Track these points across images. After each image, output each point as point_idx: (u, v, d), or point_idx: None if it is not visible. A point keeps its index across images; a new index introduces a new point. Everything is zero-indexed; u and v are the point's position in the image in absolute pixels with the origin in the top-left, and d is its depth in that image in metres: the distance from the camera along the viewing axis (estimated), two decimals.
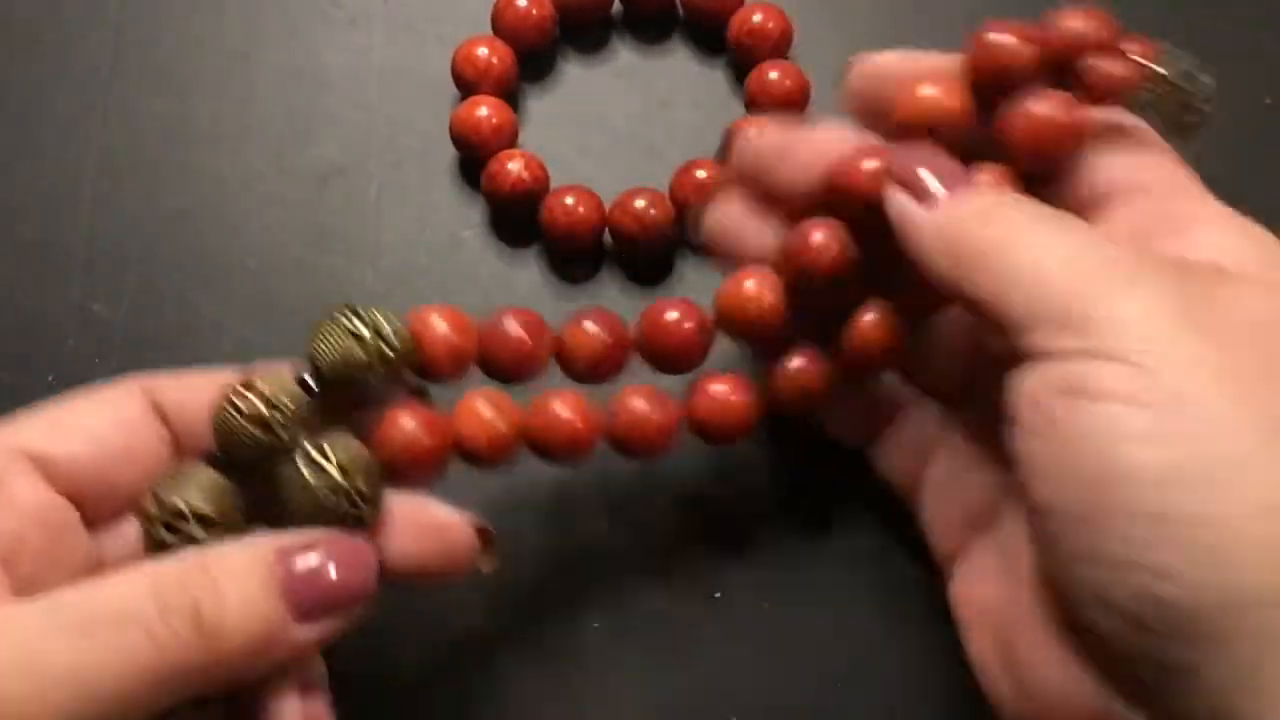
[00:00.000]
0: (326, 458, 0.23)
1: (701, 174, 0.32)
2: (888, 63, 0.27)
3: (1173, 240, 0.24)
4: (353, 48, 0.36)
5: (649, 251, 0.33)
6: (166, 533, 0.22)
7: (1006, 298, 0.22)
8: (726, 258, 0.28)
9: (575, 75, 0.36)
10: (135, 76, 0.35)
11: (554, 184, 0.33)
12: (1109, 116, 0.26)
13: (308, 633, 0.22)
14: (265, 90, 0.35)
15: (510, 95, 0.34)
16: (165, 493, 0.23)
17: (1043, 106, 0.25)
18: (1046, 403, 0.21)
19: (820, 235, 0.26)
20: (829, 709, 0.29)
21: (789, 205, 0.27)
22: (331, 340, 0.23)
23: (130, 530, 0.24)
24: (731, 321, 0.27)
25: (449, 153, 0.34)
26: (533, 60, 0.35)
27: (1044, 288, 0.22)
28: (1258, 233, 0.24)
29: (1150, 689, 0.21)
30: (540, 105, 0.35)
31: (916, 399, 0.29)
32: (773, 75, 0.33)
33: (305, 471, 0.23)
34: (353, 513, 0.23)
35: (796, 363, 0.27)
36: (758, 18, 0.34)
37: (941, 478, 0.28)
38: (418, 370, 0.25)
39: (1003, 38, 0.25)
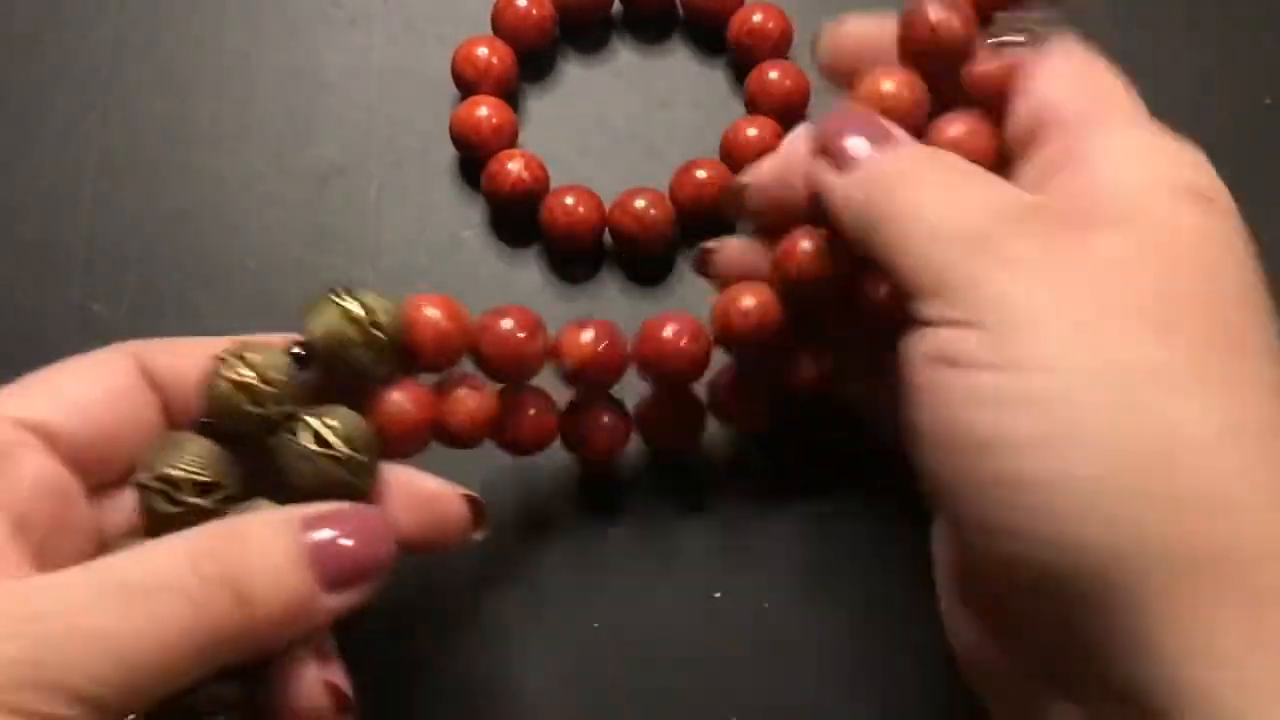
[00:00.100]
0: (329, 428, 0.23)
1: (701, 174, 0.32)
2: (860, 29, 0.27)
3: (1073, 177, 0.23)
4: (353, 48, 0.36)
5: (649, 251, 0.33)
6: (166, 503, 0.23)
7: (897, 265, 0.23)
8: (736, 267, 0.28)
9: (575, 75, 0.36)
10: (135, 76, 0.35)
11: (554, 184, 0.33)
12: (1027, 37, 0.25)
13: (334, 601, 0.22)
14: (265, 90, 0.35)
15: (510, 95, 0.34)
16: (161, 462, 0.23)
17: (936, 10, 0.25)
18: (923, 372, 0.22)
19: (807, 243, 0.26)
20: (829, 709, 0.29)
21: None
22: (325, 318, 0.24)
23: (126, 499, 0.24)
24: (729, 334, 0.27)
25: (449, 153, 0.34)
26: (533, 60, 0.35)
27: (924, 256, 0.22)
28: (1157, 160, 0.23)
29: (1062, 665, 0.21)
30: (540, 105, 0.35)
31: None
32: (773, 75, 0.33)
33: (306, 441, 0.23)
34: (354, 483, 0.23)
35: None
36: (758, 18, 0.34)
37: None
38: (406, 354, 0.25)
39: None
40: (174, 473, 0.23)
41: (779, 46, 0.34)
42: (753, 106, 0.34)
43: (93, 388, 0.24)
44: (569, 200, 0.32)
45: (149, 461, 0.23)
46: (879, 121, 0.24)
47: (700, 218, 0.33)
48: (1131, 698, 0.19)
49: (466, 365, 0.27)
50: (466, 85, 0.34)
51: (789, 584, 0.30)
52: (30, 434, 0.23)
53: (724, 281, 0.29)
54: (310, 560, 0.22)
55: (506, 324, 0.26)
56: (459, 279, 0.33)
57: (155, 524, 0.23)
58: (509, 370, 0.26)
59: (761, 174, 0.28)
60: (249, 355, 0.23)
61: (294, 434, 0.23)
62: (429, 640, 0.30)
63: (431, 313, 0.25)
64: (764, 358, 0.28)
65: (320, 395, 0.24)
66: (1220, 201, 0.22)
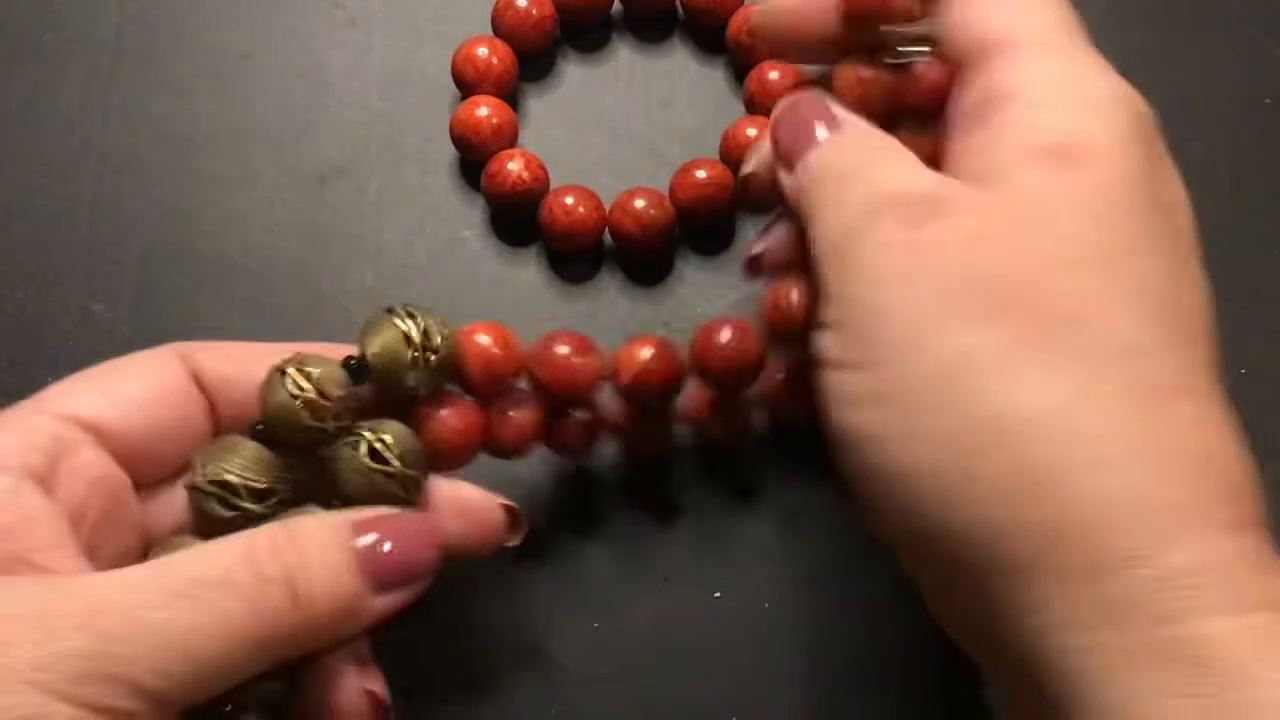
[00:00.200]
0: (387, 446, 0.24)
1: (701, 174, 0.32)
2: (782, 7, 0.26)
3: (968, 135, 0.23)
4: (353, 48, 0.36)
5: (649, 251, 0.33)
6: (220, 506, 0.23)
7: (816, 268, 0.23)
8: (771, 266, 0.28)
9: (575, 75, 0.36)
10: (135, 76, 0.35)
11: (554, 184, 0.33)
12: None
13: (383, 603, 0.23)
14: (265, 90, 0.35)
15: (510, 95, 0.34)
16: (215, 466, 0.24)
17: None
18: (814, 374, 0.23)
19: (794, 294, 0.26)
20: (829, 709, 0.29)
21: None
22: (383, 337, 0.24)
23: (175, 498, 0.25)
24: (779, 325, 0.27)
25: (449, 153, 0.34)
26: (533, 60, 0.35)
27: (817, 259, 0.23)
28: (1037, 115, 0.22)
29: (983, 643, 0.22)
30: (540, 105, 0.35)
31: None
32: (773, 75, 0.33)
33: (364, 457, 0.24)
34: (405, 497, 0.24)
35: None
36: None
37: None
38: (457, 380, 0.26)
39: None
40: (230, 478, 0.23)
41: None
42: (752, 106, 0.34)
43: (144, 387, 0.24)
44: (569, 200, 0.32)
45: (202, 464, 0.24)
46: (819, 108, 0.24)
47: (700, 218, 0.33)
48: (1022, 672, 0.20)
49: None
50: (466, 85, 0.34)
51: (789, 584, 0.30)
52: (84, 431, 0.23)
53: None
54: (361, 561, 0.22)
55: (562, 349, 0.27)
56: (459, 279, 0.33)
57: (207, 526, 0.24)
58: (567, 394, 0.27)
59: (758, 161, 0.28)
60: (309, 369, 0.24)
61: (351, 447, 0.24)
62: (417, 647, 0.30)
63: (483, 340, 0.26)
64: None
65: (370, 408, 0.25)
66: (1096, 156, 0.21)
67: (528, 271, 0.33)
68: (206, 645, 0.20)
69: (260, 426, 0.24)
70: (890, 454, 0.21)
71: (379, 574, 0.22)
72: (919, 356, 0.21)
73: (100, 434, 0.23)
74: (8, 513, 0.21)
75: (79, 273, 0.33)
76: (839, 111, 0.24)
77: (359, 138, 0.35)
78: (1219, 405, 0.21)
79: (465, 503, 0.25)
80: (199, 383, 0.25)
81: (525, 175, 0.32)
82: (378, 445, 0.24)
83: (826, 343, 0.22)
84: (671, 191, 0.33)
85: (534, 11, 0.34)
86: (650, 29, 0.36)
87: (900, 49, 0.24)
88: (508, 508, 0.26)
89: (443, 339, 0.25)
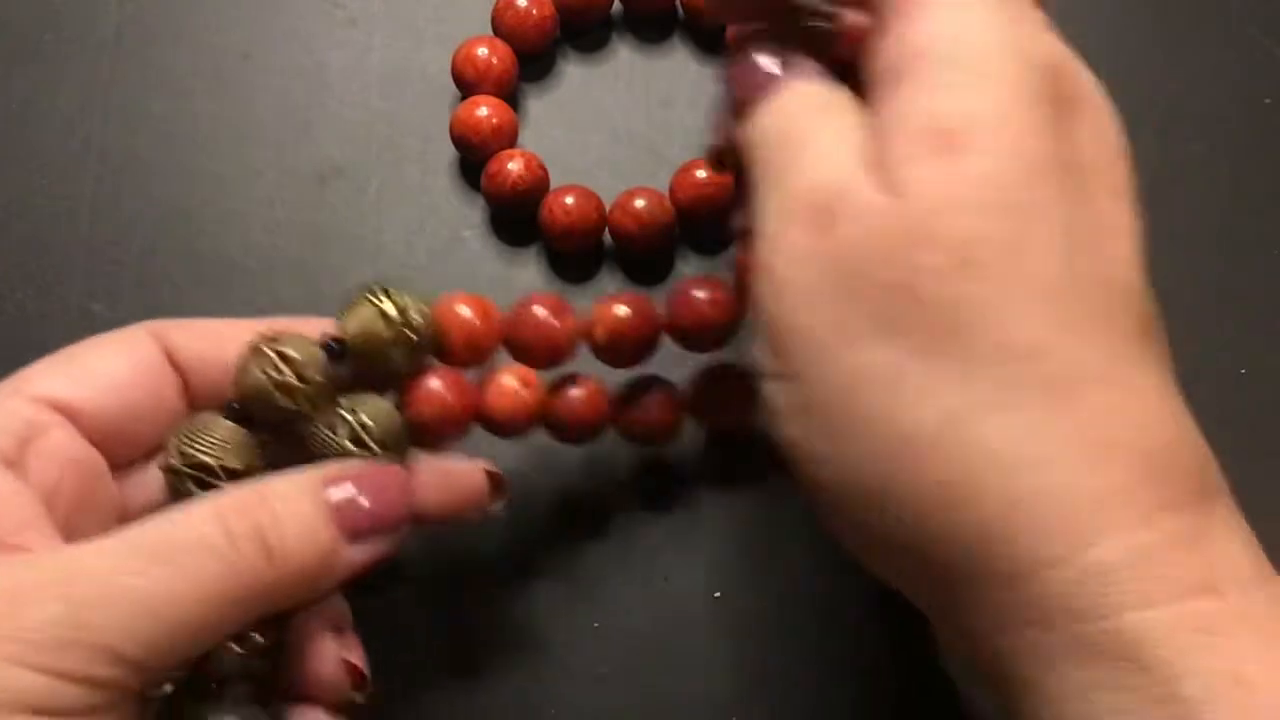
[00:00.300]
0: (367, 430, 0.24)
1: (701, 174, 0.32)
2: None
3: (882, 109, 0.21)
4: (353, 48, 0.36)
5: (649, 251, 0.33)
6: (196, 488, 0.23)
7: None
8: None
9: (575, 75, 0.36)
10: (135, 76, 0.35)
11: (554, 184, 0.33)
12: None
13: (358, 554, 0.23)
14: (265, 90, 0.35)
15: (510, 95, 0.34)
16: (189, 446, 0.23)
17: None
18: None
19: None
20: (829, 709, 0.29)
21: None
22: (360, 317, 0.24)
23: (151, 478, 0.25)
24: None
25: (449, 153, 0.34)
26: (533, 60, 0.35)
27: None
28: (930, 93, 0.20)
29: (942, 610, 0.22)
30: (540, 105, 0.35)
31: None
32: None
33: (342, 435, 0.24)
34: None
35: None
36: None
37: None
38: (437, 353, 0.26)
39: None
40: (204, 458, 0.23)
41: None
42: None
43: (117, 366, 0.24)
44: (569, 200, 0.32)
45: (176, 445, 0.24)
46: (767, 63, 0.23)
47: (700, 218, 0.33)
48: (987, 679, 0.20)
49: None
50: (466, 85, 0.34)
51: (789, 584, 0.30)
52: (57, 412, 0.23)
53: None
54: (332, 512, 0.22)
55: (539, 310, 0.27)
56: (459, 279, 0.33)
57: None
58: (546, 355, 0.27)
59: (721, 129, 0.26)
60: (285, 349, 0.23)
61: (330, 428, 0.24)
62: (415, 640, 0.30)
63: (463, 311, 0.26)
64: None
65: (350, 386, 0.25)
66: (983, 138, 0.20)
67: (528, 271, 0.33)
68: (181, 607, 0.20)
69: (236, 405, 0.24)
70: (823, 469, 0.21)
71: (352, 524, 0.22)
72: (829, 371, 0.20)
73: (72, 415, 0.23)
74: None
75: (79, 273, 0.33)
76: (780, 68, 0.23)
77: (359, 138, 0.35)
78: (1148, 382, 0.20)
79: (447, 468, 0.25)
80: (172, 361, 0.25)
81: (525, 175, 0.32)
82: (357, 428, 0.24)
83: (757, 350, 0.22)
84: (671, 191, 0.33)
85: (534, 11, 0.34)
86: (650, 29, 0.36)
87: (808, 11, 0.23)
88: (491, 473, 0.26)
89: (421, 314, 0.25)
